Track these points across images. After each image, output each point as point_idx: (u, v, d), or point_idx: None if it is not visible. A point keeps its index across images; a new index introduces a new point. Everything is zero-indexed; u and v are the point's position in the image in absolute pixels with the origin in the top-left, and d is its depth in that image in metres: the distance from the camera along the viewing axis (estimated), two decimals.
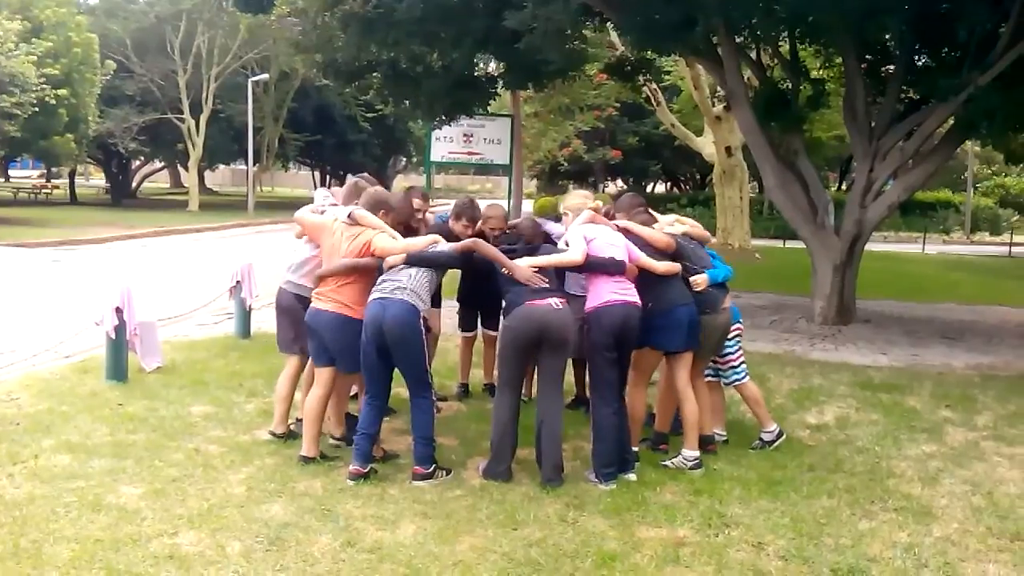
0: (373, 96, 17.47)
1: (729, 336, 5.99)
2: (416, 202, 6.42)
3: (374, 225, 5.39)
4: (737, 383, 6.07)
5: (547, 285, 5.26)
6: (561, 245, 5.60)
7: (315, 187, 48.69)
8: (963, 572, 4.26)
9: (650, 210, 6.00)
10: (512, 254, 5.37)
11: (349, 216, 5.42)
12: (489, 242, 5.59)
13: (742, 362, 6.10)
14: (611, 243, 5.43)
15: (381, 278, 5.25)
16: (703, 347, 5.73)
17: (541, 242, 5.71)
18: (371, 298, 5.19)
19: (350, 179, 6.11)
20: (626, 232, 5.61)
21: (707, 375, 6.12)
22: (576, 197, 6.03)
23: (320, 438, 5.59)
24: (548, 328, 5.18)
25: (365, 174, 6.44)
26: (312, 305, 5.43)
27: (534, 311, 5.18)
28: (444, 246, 5.43)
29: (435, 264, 5.38)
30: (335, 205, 5.83)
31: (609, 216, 5.88)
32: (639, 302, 5.33)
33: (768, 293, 14.33)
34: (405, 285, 5.15)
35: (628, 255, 5.42)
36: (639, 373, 5.65)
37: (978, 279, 18.10)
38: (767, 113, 11.60)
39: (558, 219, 6.30)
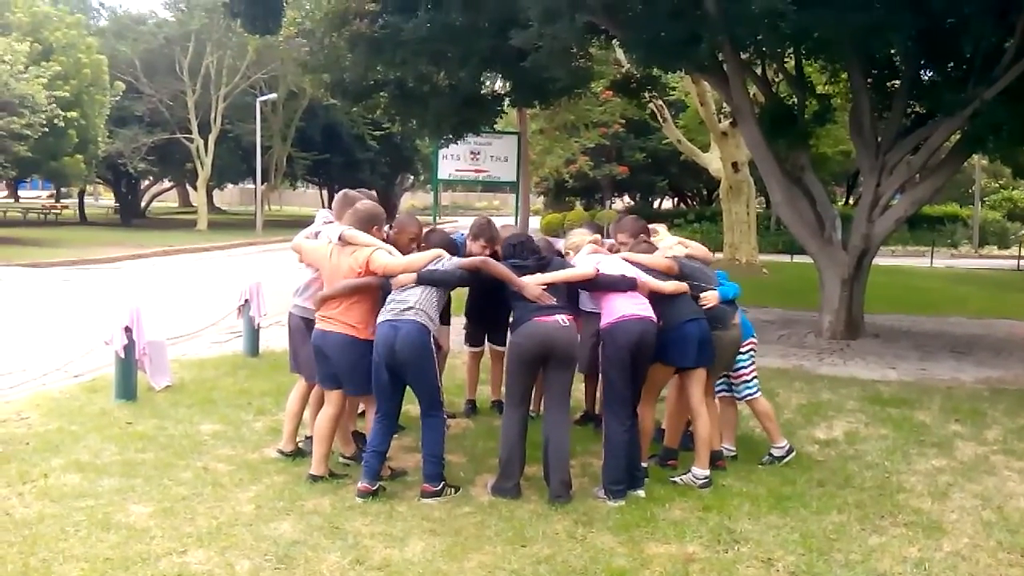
0: (380, 115, 17.59)
1: (742, 351, 6.00)
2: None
3: (367, 243, 5.33)
4: (749, 398, 6.06)
5: (555, 303, 5.27)
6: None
7: (323, 205, 49.02)
8: None
9: (651, 240, 6.03)
10: (523, 271, 5.37)
11: (340, 238, 5.39)
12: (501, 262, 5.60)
13: (755, 377, 6.10)
14: (618, 265, 5.49)
15: (389, 298, 5.25)
16: (715, 363, 5.73)
17: (553, 256, 5.75)
18: (380, 319, 5.18)
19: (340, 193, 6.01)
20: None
21: (720, 390, 6.13)
22: (576, 235, 6.11)
23: (330, 456, 5.60)
24: (554, 345, 5.19)
25: (360, 189, 6.31)
26: (318, 327, 5.41)
27: (540, 327, 5.19)
28: (450, 262, 5.41)
29: (445, 284, 5.38)
30: (330, 222, 5.84)
31: (611, 250, 5.94)
32: (655, 317, 5.34)
33: (776, 308, 14.31)
34: (414, 305, 5.14)
35: (637, 277, 5.45)
36: (648, 389, 5.64)
37: (986, 293, 18.03)
38: (773, 129, 11.61)
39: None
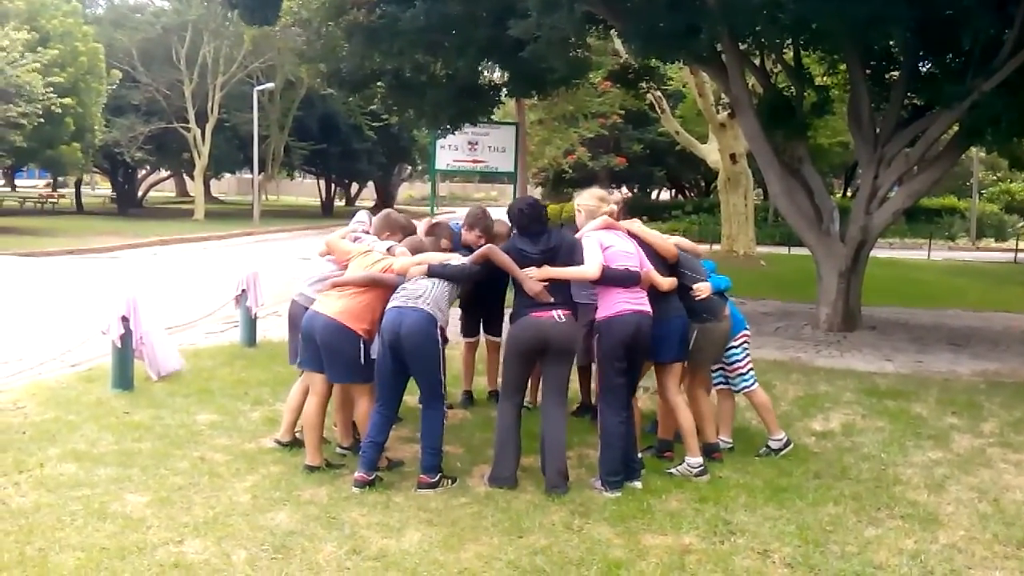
0: (378, 105, 17.54)
1: (736, 343, 6.00)
2: (444, 243, 6.30)
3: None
4: (747, 390, 6.07)
5: (553, 301, 5.24)
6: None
7: (320, 196, 49.00)
8: None
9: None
10: (528, 261, 5.31)
11: (388, 250, 5.58)
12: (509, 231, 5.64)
13: (750, 369, 6.10)
14: (626, 252, 5.38)
15: (400, 287, 5.30)
16: (706, 354, 5.75)
17: (562, 241, 5.67)
18: (390, 306, 5.22)
19: (382, 212, 6.23)
20: (635, 236, 5.60)
21: (718, 382, 6.14)
22: (591, 198, 5.76)
23: (324, 446, 5.59)
24: (549, 340, 5.19)
25: (392, 210, 6.47)
26: (311, 308, 5.44)
27: (536, 323, 5.19)
28: (461, 261, 5.45)
29: (456, 279, 5.39)
30: (367, 232, 5.97)
31: (617, 217, 5.84)
32: (651, 311, 5.33)
33: (773, 300, 14.32)
34: (423, 294, 5.17)
35: (641, 266, 5.41)
36: None
37: (984, 285, 18.04)
38: (771, 120, 11.59)
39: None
